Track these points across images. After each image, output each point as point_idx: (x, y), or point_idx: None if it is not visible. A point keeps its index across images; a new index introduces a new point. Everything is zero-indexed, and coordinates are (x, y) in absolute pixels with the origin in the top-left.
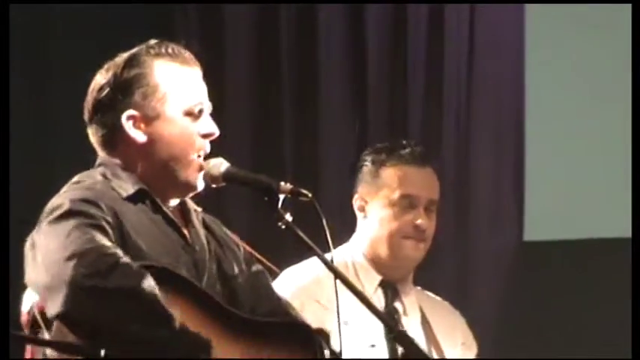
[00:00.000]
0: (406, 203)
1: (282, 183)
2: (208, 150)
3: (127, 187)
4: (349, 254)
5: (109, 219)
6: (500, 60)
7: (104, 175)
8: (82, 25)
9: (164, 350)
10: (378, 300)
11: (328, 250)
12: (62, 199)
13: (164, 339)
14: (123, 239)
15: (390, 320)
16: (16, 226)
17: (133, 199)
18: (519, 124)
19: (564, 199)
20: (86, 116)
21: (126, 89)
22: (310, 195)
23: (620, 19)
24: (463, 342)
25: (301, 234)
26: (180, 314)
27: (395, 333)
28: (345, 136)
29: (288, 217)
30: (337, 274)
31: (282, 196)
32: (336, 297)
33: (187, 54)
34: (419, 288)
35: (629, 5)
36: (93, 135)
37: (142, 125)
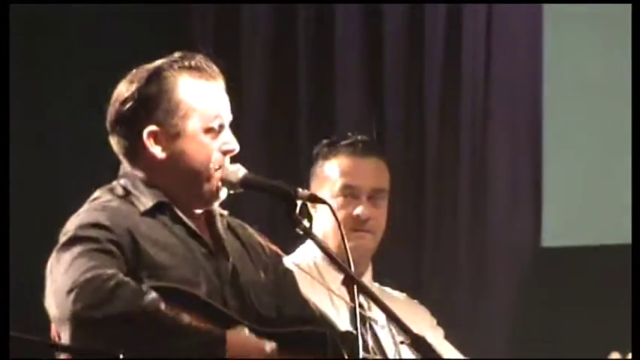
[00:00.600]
0: (348, 194)
1: (300, 189)
2: (228, 164)
3: (145, 201)
4: (310, 254)
5: (118, 239)
6: (518, 60)
7: (125, 188)
8: (97, 27)
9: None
10: (343, 296)
11: (345, 253)
12: (72, 223)
13: (181, 349)
14: (138, 257)
15: (406, 326)
16: (21, 225)
17: (151, 212)
18: (537, 126)
19: (583, 205)
20: (108, 126)
21: (148, 105)
22: (327, 201)
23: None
24: (430, 326)
25: (319, 239)
26: None
27: (411, 337)
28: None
29: (306, 222)
30: (353, 280)
31: (299, 202)
32: (355, 299)
33: (211, 67)
34: (377, 285)
35: None
36: (115, 145)
37: (163, 141)
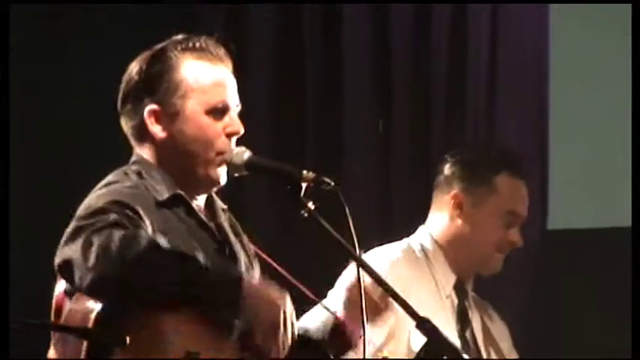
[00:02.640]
0: (510, 219)
1: (305, 171)
2: (233, 148)
3: (161, 189)
4: (426, 246)
5: (137, 220)
6: (524, 57)
7: (139, 174)
8: (105, 25)
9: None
10: (451, 299)
11: (351, 239)
12: (93, 200)
13: (201, 286)
14: None
15: (416, 313)
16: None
17: (166, 203)
18: (543, 111)
19: (589, 187)
20: (119, 106)
21: (150, 84)
22: (333, 183)
23: None
24: (510, 341)
25: (324, 222)
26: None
27: (424, 324)
28: (369, 135)
29: (311, 205)
30: (361, 264)
31: (304, 185)
32: (360, 293)
33: (217, 50)
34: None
35: None
36: (124, 125)
37: (163, 121)
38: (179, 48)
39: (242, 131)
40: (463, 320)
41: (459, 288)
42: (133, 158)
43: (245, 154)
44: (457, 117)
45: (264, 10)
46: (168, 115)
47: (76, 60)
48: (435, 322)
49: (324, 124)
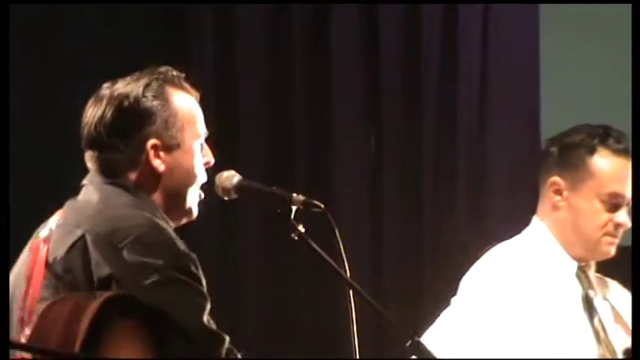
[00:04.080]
0: (614, 201)
1: (295, 194)
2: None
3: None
4: (541, 237)
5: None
6: (515, 62)
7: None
8: (93, 25)
9: None
10: (574, 289)
11: (341, 261)
12: (161, 235)
13: None
14: None
15: (406, 332)
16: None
17: None
18: (534, 128)
19: None
20: (97, 140)
21: (148, 116)
22: (323, 206)
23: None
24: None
25: (314, 245)
26: None
27: (411, 341)
28: (360, 146)
29: (301, 228)
30: (352, 286)
31: (294, 208)
32: (350, 309)
33: (186, 81)
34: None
35: None
36: (106, 155)
37: (162, 154)
38: (166, 80)
39: (213, 162)
40: (589, 308)
41: (580, 275)
42: (115, 182)
43: (235, 177)
44: (448, 125)
45: (253, 13)
46: (168, 148)
47: (66, 59)
48: (561, 315)
49: (313, 134)
